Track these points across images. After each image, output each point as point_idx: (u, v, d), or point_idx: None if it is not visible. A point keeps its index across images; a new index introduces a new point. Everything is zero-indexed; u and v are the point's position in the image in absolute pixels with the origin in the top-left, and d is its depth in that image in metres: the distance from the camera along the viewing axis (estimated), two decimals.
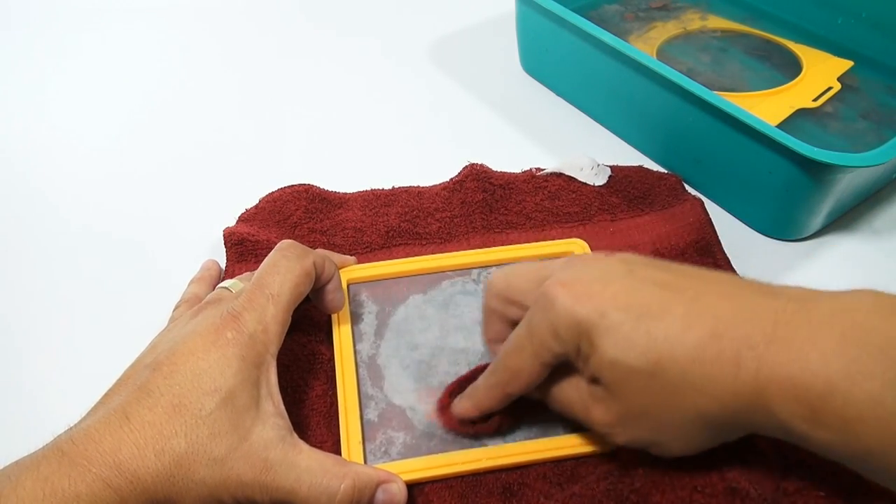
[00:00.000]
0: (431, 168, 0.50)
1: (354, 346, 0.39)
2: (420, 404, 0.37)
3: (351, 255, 0.44)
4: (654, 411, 0.29)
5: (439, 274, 0.43)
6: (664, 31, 0.63)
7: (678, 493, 0.31)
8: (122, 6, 0.72)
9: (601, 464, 0.34)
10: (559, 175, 0.49)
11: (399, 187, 0.49)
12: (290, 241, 0.36)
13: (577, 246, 0.44)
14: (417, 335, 0.40)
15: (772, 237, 0.47)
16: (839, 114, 0.54)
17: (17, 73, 0.64)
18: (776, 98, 0.55)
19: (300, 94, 0.61)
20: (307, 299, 0.36)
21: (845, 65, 0.58)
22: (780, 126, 0.50)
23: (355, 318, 0.40)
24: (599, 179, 0.49)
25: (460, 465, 0.34)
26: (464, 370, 0.38)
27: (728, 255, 0.44)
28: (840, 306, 0.27)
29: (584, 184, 0.49)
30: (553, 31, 0.55)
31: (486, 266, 0.43)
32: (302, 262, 0.34)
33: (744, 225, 0.48)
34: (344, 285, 0.40)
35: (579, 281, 0.30)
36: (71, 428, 0.29)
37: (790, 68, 0.58)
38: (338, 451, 0.35)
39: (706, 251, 0.44)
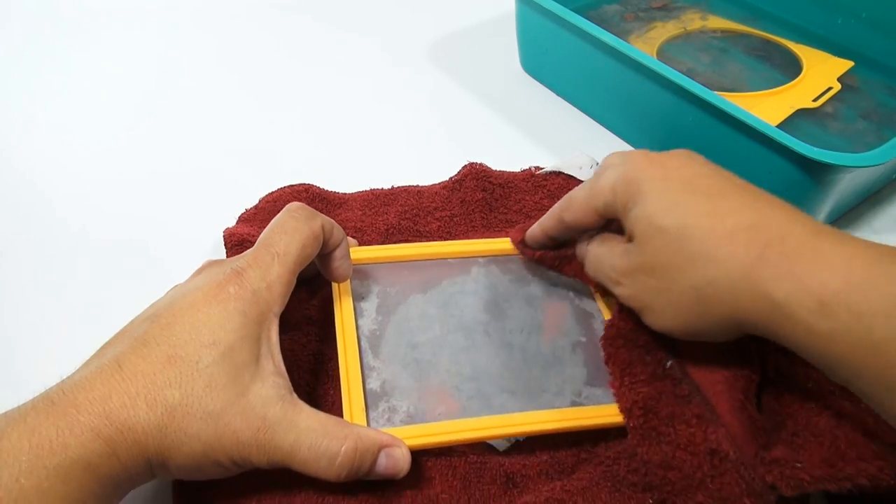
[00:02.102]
0: (431, 167, 0.50)
1: (356, 320, 0.38)
2: (421, 403, 0.37)
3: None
4: (665, 270, 0.31)
5: (439, 275, 0.42)
6: (664, 31, 0.63)
7: (663, 449, 0.32)
8: (122, 6, 0.72)
9: (599, 458, 0.34)
10: (558, 174, 0.49)
11: (398, 186, 0.49)
12: (298, 203, 0.35)
13: None
14: (418, 334, 0.40)
15: None
16: (839, 114, 0.54)
17: (17, 74, 0.64)
18: (776, 98, 0.55)
19: (300, 94, 0.61)
20: (316, 292, 0.36)
21: (845, 65, 0.58)
22: (780, 126, 0.50)
23: (357, 296, 0.40)
24: None
25: (466, 433, 0.33)
26: (465, 369, 0.38)
27: None
28: (886, 248, 0.27)
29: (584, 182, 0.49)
30: (553, 31, 0.55)
31: (488, 255, 0.43)
32: (310, 224, 0.34)
33: None
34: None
35: (661, 156, 0.33)
36: (63, 380, 0.28)
37: (790, 68, 0.58)
38: None
39: None
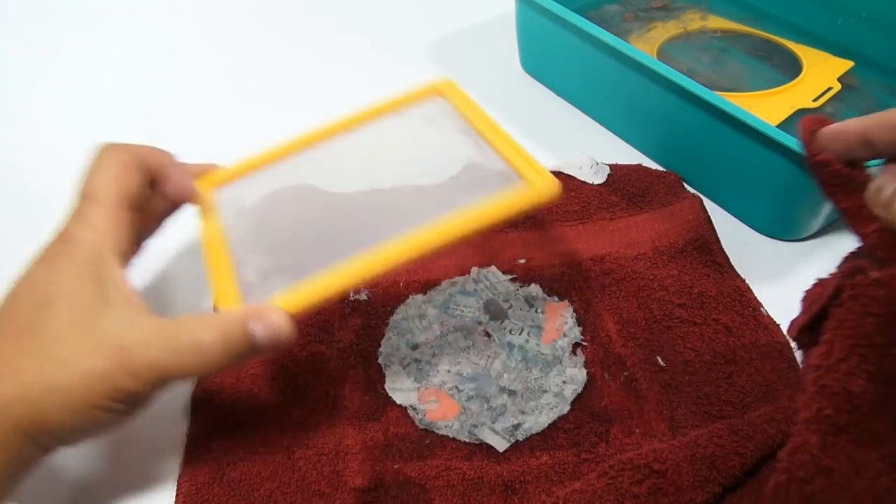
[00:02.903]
0: None
1: (226, 233, 0.36)
2: (421, 404, 0.37)
3: None
4: None
5: (312, 167, 0.40)
6: (664, 31, 0.63)
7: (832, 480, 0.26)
8: (121, 6, 0.72)
9: (601, 462, 0.34)
10: (558, 173, 0.49)
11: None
12: (107, 142, 0.35)
13: (446, 86, 0.41)
14: (417, 335, 0.40)
15: (772, 237, 0.47)
16: (839, 114, 0.54)
17: (14, 74, 0.64)
18: (776, 98, 0.55)
19: (299, 93, 0.61)
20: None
21: (845, 65, 0.58)
22: (780, 126, 0.50)
23: (226, 212, 0.37)
24: (598, 178, 0.49)
25: (356, 274, 0.31)
26: (466, 370, 0.38)
27: (728, 255, 0.44)
28: None
29: (584, 182, 0.49)
30: (553, 31, 0.55)
31: (352, 126, 0.42)
32: (117, 153, 0.33)
33: (744, 225, 0.48)
34: (210, 195, 0.38)
35: None
36: None
37: (790, 68, 0.58)
38: None
39: (705, 249, 0.44)
